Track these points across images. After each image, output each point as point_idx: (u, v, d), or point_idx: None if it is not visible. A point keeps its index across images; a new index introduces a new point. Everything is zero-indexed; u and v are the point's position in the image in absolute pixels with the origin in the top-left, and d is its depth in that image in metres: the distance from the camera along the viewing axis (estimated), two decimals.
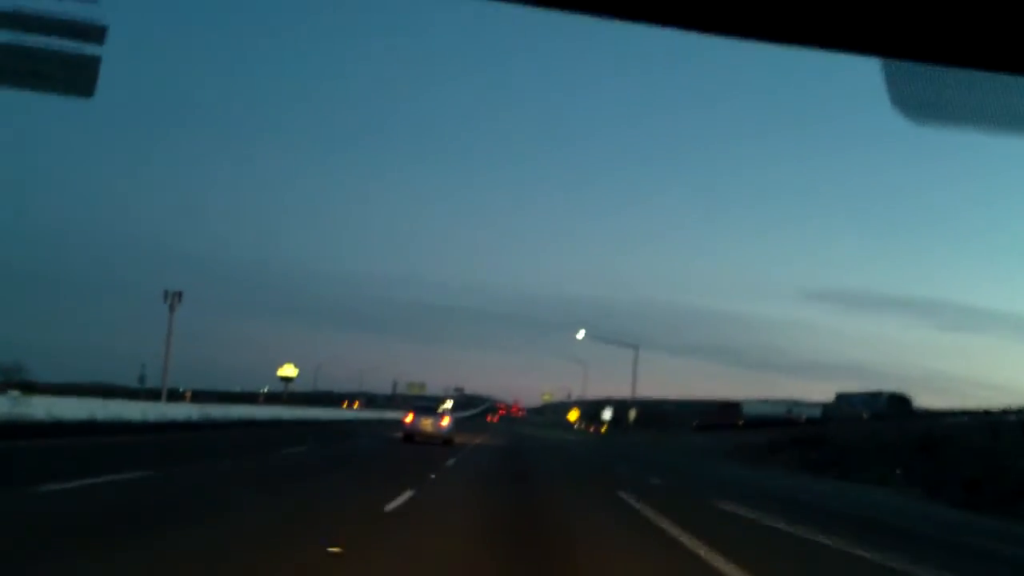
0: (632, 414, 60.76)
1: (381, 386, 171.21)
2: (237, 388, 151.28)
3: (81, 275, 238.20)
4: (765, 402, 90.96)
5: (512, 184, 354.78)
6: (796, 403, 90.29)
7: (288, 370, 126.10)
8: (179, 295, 54.11)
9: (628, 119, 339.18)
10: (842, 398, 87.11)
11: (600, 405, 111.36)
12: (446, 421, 34.68)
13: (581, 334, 60.07)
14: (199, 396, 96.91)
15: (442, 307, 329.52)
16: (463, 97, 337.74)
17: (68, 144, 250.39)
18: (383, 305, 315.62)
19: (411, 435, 33.49)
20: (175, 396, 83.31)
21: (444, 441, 33.33)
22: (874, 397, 79.99)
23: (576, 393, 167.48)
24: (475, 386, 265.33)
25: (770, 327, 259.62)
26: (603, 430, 73.97)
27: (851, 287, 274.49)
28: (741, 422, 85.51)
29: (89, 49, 7.26)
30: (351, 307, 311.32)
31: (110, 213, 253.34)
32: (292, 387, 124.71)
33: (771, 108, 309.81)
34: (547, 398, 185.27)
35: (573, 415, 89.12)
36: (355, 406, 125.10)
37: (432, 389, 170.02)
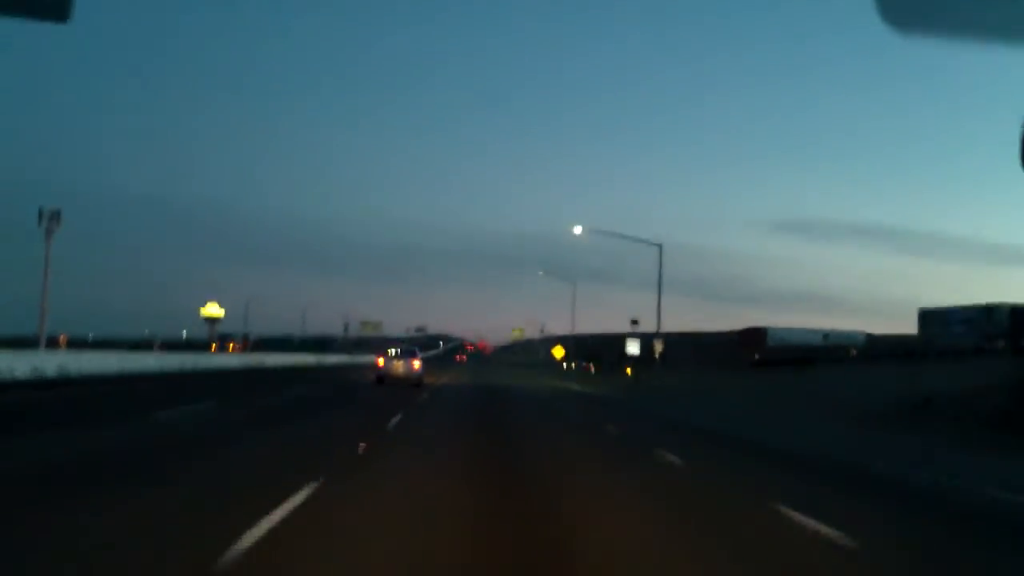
0: (658, 347, 44.07)
1: (333, 328, 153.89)
2: (146, 333, 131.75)
3: None
4: (790, 330, 74.80)
5: (476, 121, 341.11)
6: (832, 331, 74.50)
7: (212, 309, 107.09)
8: (58, 216, 44.43)
9: (592, 53, 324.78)
10: (931, 316, 59.83)
11: (582, 341, 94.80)
12: (417, 363, 35.17)
13: (578, 229, 47.07)
14: (94, 344, 78.38)
15: (400, 246, 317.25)
16: (421, 37, 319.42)
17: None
18: (337, 245, 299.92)
19: (382, 377, 34.26)
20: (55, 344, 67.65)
21: (415, 383, 33.98)
22: (986, 312, 54.46)
23: (549, 328, 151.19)
24: (437, 326, 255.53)
25: (737, 259, 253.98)
26: (628, 372, 55.20)
27: (815, 217, 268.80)
28: (757, 357, 69.51)
29: None
30: (301, 247, 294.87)
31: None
32: (223, 329, 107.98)
33: (739, 40, 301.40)
34: (517, 334, 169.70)
35: (558, 351, 72.39)
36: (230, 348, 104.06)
37: (392, 330, 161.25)
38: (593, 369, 69.30)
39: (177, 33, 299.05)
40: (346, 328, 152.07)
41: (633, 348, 55.69)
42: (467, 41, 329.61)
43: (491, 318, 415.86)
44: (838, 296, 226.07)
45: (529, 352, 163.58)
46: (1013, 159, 1.82)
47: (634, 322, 54.70)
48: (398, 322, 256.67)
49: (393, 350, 35.91)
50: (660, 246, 43.29)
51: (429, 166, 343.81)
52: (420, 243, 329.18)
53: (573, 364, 73.63)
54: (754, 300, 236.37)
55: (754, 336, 74.31)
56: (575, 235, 45.85)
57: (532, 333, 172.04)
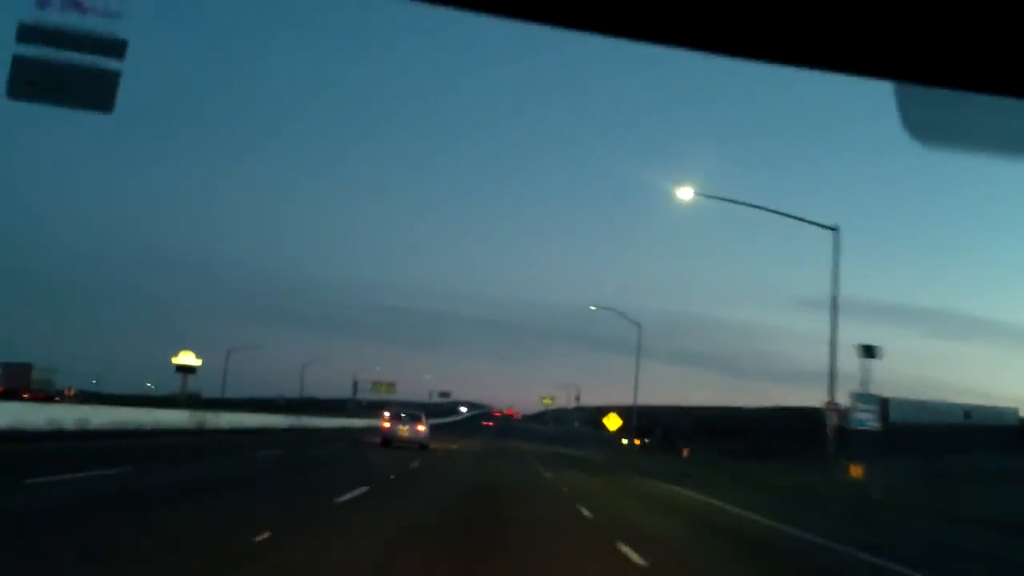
0: None
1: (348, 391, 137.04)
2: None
3: None
4: (919, 403, 55.35)
5: (503, 193, 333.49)
6: (975, 406, 55.04)
7: (186, 358, 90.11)
8: None
9: (625, 125, 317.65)
10: None
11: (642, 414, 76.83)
12: (422, 427, 34.38)
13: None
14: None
15: (426, 314, 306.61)
16: (447, 105, 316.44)
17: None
18: (361, 311, 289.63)
19: (388, 440, 33.62)
20: None
21: (420, 446, 33.22)
22: None
23: (582, 399, 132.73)
24: (464, 394, 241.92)
25: (764, 335, 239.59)
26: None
27: (846, 296, 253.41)
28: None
29: (110, 64, 7.35)
30: (319, 311, 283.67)
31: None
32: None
33: (776, 119, 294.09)
34: (547, 402, 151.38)
35: (613, 422, 53.68)
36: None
37: (413, 395, 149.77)
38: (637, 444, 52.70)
39: (201, 95, 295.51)
40: (355, 388, 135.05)
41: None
42: (494, 109, 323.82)
43: (519, 388, 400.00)
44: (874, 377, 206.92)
45: (561, 422, 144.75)
46: None
47: None
48: (420, 388, 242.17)
49: (403, 413, 35.93)
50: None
51: (457, 235, 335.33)
52: (448, 311, 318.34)
53: (637, 441, 54.18)
54: (783, 377, 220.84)
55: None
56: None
57: (565, 402, 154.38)
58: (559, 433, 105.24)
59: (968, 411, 54.57)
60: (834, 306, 26.32)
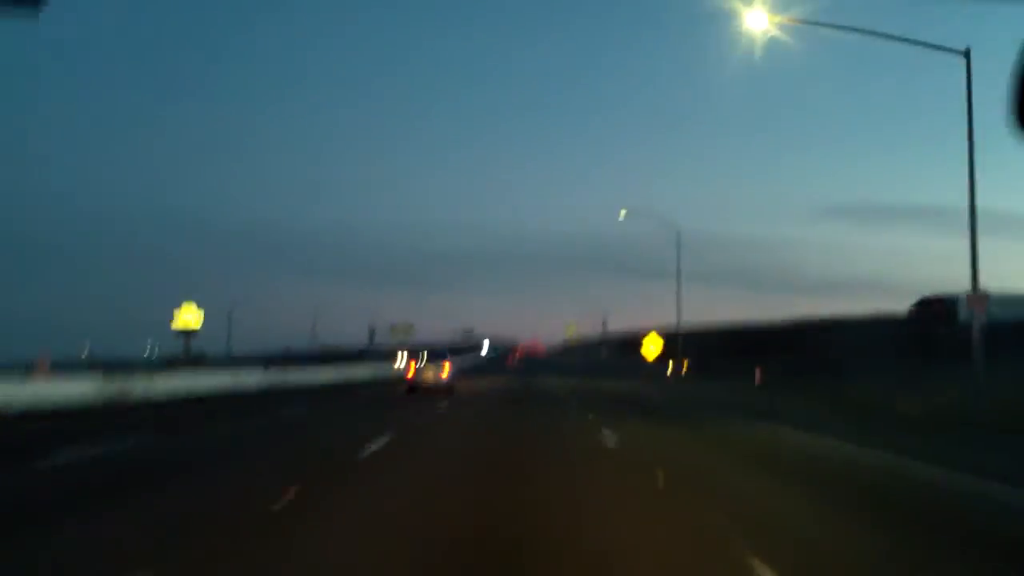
0: None
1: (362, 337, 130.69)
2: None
3: None
4: (1005, 298, 48.37)
5: (519, 119, 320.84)
6: None
7: (188, 317, 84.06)
8: None
9: (638, 48, 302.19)
10: None
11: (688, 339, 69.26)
12: (446, 371, 34.30)
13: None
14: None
15: (441, 251, 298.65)
16: (458, 41, 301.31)
17: None
18: (372, 252, 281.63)
19: (414, 388, 33.11)
20: None
21: (446, 391, 32.60)
22: None
23: (609, 325, 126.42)
24: (485, 329, 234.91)
25: (786, 247, 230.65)
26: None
27: (868, 201, 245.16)
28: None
29: None
30: (337, 256, 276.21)
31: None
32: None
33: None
34: (572, 329, 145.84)
35: (652, 345, 45.60)
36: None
37: (435, 336, 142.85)
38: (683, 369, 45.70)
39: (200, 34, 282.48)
40: (372, 335, 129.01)
41: None
42: (504, 44, 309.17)
43: (543, 320, 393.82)
44: (897, 282, 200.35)
45: (589, 352, 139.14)
46: None
47: None
48: (442, 328, 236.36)
49: (426, 358, 36.35)
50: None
51: (471, 169, 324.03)
52: (464, 248, 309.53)
53: (685, 364, 46.68)
54: (801, 290, 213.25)
55: (935, 311, 48.35)
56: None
57: (590, 330, 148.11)
58: (590, 364, 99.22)
59: None
60: (971, 150, 19.16)
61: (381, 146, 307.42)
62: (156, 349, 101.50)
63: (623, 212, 44.80)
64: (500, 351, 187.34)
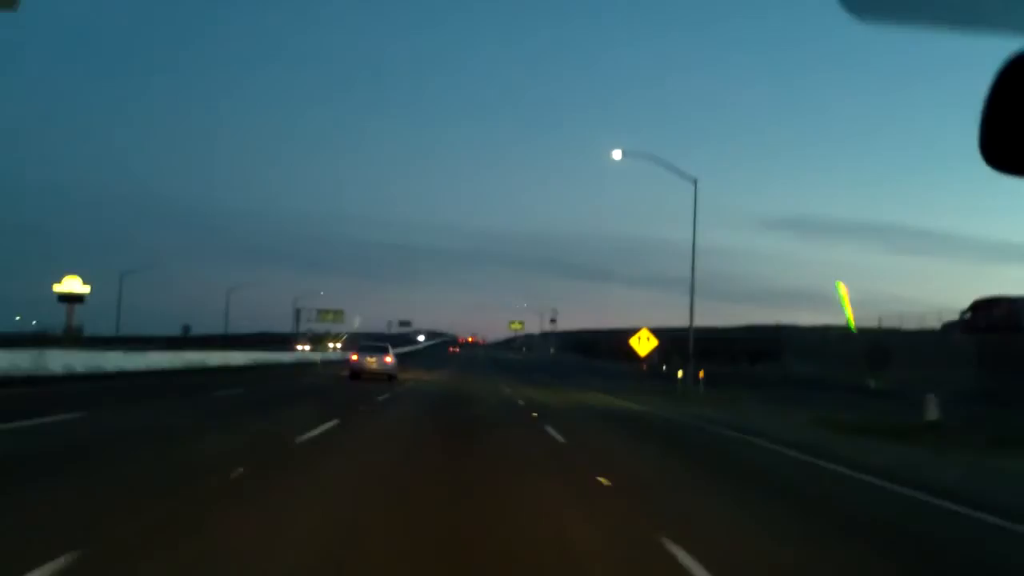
0: None
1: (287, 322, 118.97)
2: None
3: None
4: None
5: (466, 122, 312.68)
6: None
7: (70, 283, 71.24)
8: None
9: (584, 58, 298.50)
10: None
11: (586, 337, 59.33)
12: (389, 358, 35.28)
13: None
14: None
15: (390, 245, 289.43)
16: (427, 39, 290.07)
17: None
18: (315, 243, 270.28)
19: (357, 372, 34.43)
20: None
21: (388, 377, 33.89)
22: None
23: (563, 322, 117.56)
24: (424, 323, 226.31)
25: (727, 256, 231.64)
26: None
27: (806, 214, 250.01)
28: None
29: None
30: (280, 244, 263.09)
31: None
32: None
33: (728, 37, 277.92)
34: (517, 327, 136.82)
35: (644, 343, 35.01)
36: None
37: (375, 326, 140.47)
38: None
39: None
40: (297, 316, 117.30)
41: None
42: (471, 43, 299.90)
43: (484, 317, 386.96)
44: (828, 292, 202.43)
45: (533, 348, 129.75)
46: None
47: None
48: (378, 319, 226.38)
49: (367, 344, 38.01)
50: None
51: (425, 166, 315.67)
52: (405, 242, 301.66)
53: (701, 373, 33.52)
54: (754, 298, 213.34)
55: (995, 312, 40.31)
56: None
57: (535, 328, 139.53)
58: (541, 362, 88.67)
59: None
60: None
61: (331, 136, 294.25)
62: (35, 322, 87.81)
63: (617, 153, 33.82)
64: (439, 343, 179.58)
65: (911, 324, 47.86)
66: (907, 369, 37.40)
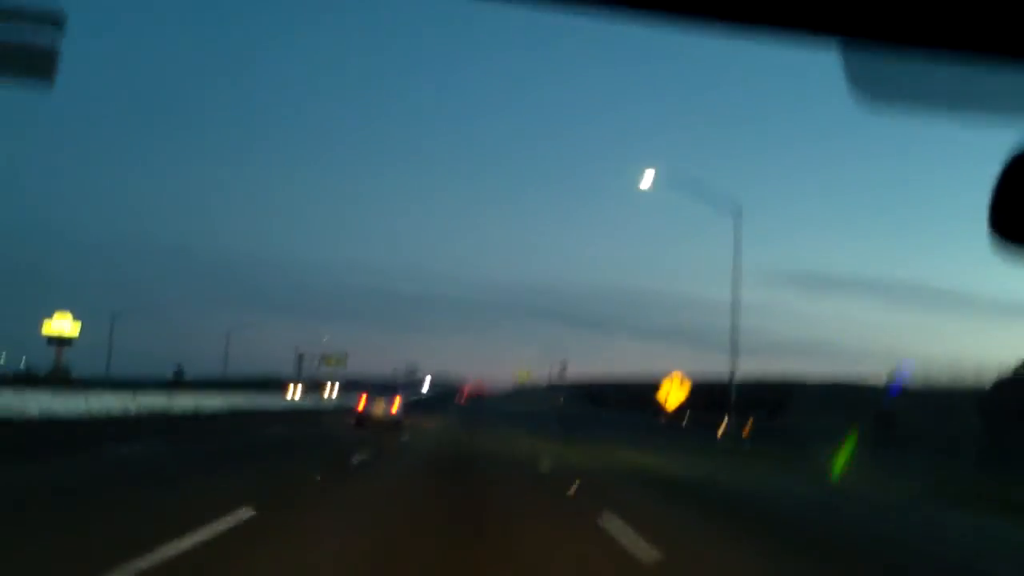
0: None
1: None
2: None
3: None
4: None
5: (465, 172, 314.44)
6: None
7: (61, 324, 68.48)
8: None
9: (599, 110, 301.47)
10: None
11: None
12: (396, 406, 34.09)
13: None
14: None
15: (392, 292, 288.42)
16: (424, 93, 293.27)
17: None
18: (323, 289, 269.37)
19: (362, 421, 33.16)
20: None
21: (393, 425, 32.17)
22: None
23: (573, 370, 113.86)
24: (429, 370, 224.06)
25: (725, 310, 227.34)
26: None
27: (817, 270, 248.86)
28: None
29: (48, 36, 7.08)
30: (291, 293, 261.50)
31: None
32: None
33: (738, 100, 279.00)
34: (524, 376, 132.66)
35: (674, 393, 31.20)
36: None
37: (382, 371, 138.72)
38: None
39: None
40: (300, 361, 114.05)
41: None
42: (478, 89, 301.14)
43: (490, 367, 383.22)
44: (844, 346, 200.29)
45: (540, 400, 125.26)
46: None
47: None
48: (383, 366, 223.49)
49: (373, 392, 35.51)
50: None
51: (435, 216, 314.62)
52: (414, 291, 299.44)
53: (749, 423, 28.19)
54: (752, 350, 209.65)
55: None
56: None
57: (543, 378, 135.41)
58: (550, 413, 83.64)
59: None
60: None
61: (332, 180, 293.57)
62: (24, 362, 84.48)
63: (649, 175, 29.48)
64: (444, 389, 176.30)
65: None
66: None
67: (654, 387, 49.50)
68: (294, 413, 51.71)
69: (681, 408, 32.92)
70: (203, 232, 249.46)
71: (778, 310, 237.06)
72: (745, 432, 26.94)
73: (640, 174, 30.39)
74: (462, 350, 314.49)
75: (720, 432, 28.07)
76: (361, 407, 33.78)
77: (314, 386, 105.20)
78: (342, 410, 50.26)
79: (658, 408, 41.51)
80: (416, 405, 79.68)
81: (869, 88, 1.33)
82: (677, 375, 32.09)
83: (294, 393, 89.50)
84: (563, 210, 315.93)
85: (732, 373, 29.19)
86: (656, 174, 28.85)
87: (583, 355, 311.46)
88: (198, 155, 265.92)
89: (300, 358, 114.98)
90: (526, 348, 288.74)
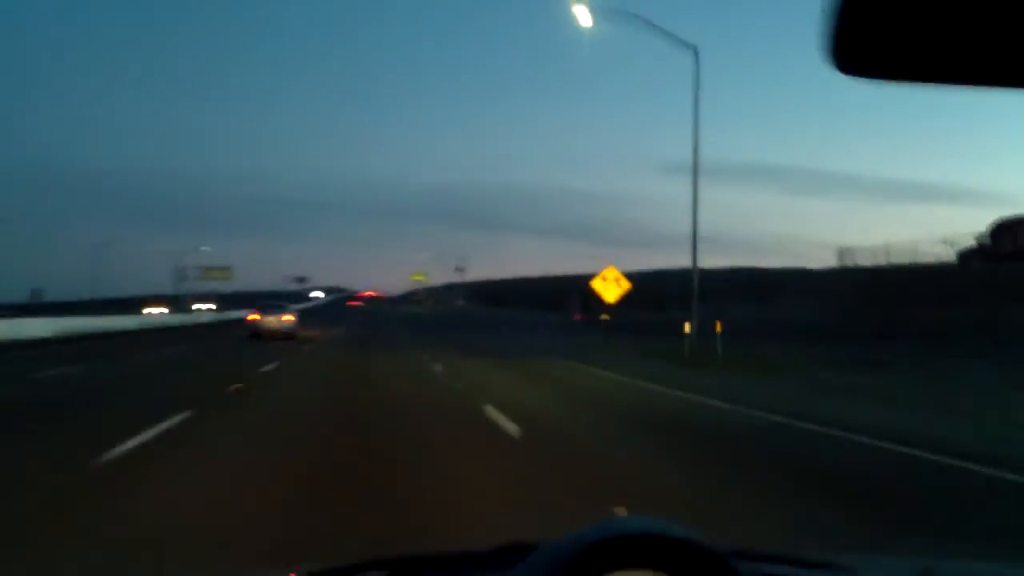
0: None
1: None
2: None
3: None
4: None
5: (360, 70, 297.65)
6: None
7: None
8: None
9: (470, 14, 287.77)
10: None
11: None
12: (289, 317, 35.47)
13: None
14: None
15: (279, 199, 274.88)
16: None
17: None
18: (213, 204, 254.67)
19: (256, 332, 33.92)
20: None
21: (287, 336, 33.43)
22: None
23: (472, 272, 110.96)
24: (320, 280, 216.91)
25: (630, 203, 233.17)
26: None
27: (706, 158, 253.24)
28: None
29: None
30: (173, 205, 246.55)
31: None
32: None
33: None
34: (420, 278, 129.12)
35: (612, 285, 29.19)
36: None
37: (264, 284, 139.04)
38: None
39: None
40: (180, 278, 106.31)
41: None
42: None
43: (384, 272, 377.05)
44: (724, 234, 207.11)
45: (439, 301, 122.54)
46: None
47: None
48: (271, 276, 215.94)
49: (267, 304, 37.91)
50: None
51: (321, 119, 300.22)
52: (298, 198, 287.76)
53: (718, 325, 21.70)
54: (649, 244, 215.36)
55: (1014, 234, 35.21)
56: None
57: (440, 279, 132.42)
58: (451, 316, 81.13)
59: None
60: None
61: (221, 86, 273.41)
62: None
63: (584, 15, 24.53)
64: (337, 299, 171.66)
65: (902, 259, 42.72)
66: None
67: (557, 285, 47.57)
68: (166, 330, 46.94)
69: (610, 307, 30.02)
70: (69, 146, 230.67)
71: (672, 200, 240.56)
72: (718, 331, 22.92)
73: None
74: (357, 258, 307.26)
75: (686, 334, 24.03)
76: (254, 319, 35.08)
77: (181, 302, 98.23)
78: (230, 324, 49.09)
79: (572, 307, 38.41)
80: (310, 314, 75.83)
81: (847, 60, 1.11)
82: (612, 271, 29.23)
83: (157, 309, 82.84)
84: (460, 109, 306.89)
85: (695, 260, 25.94)
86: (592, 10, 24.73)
87: (481, 257, 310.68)
88: (70, 66, 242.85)
89: (180, 272, 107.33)
90: (423, 253, 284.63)
